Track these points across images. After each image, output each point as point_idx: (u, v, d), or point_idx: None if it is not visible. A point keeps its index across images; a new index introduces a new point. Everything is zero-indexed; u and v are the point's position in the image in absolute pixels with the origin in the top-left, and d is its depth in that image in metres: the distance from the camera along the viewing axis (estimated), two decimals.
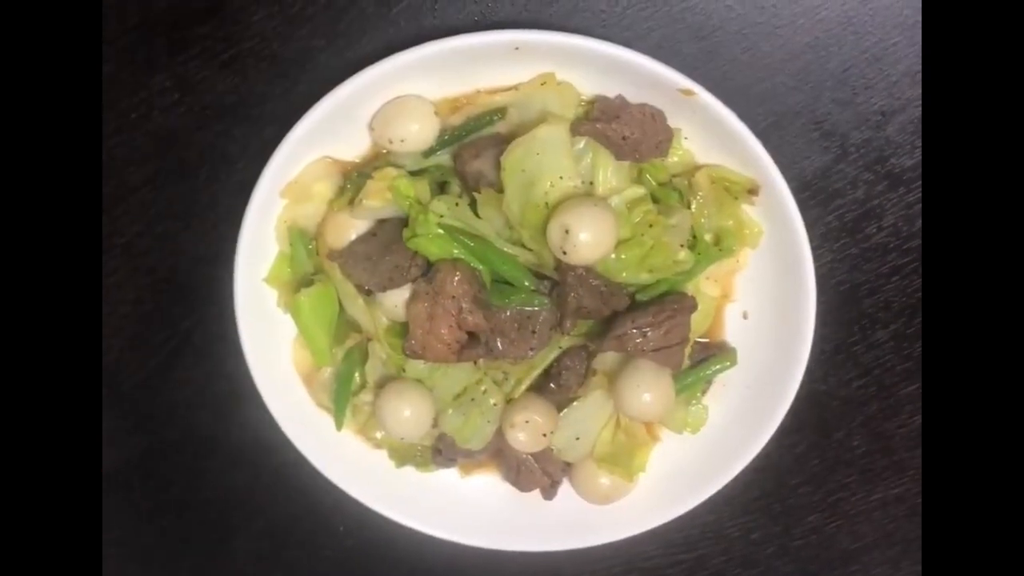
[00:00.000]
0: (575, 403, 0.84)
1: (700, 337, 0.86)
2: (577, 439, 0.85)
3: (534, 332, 0.79)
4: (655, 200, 0.79)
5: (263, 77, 0.83)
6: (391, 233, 0.79)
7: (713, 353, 0.87)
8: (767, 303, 0.84)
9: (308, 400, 0.88)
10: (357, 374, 0.85)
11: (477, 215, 0.77)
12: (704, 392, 0.88)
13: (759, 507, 0.96)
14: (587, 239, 0.73)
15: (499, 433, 0.84)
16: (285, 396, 0.86)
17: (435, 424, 0.84)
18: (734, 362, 0.86)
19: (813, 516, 0.96)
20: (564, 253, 0.74)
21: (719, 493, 0.86)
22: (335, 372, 0.86)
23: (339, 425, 0.86)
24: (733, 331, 0.87)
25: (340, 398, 0.86)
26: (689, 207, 0.80)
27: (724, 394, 0.88)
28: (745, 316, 0.87)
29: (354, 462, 0.89)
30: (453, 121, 0.80)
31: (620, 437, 0.87)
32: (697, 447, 0.88)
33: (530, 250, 0.78)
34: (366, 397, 0.86)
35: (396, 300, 0.80)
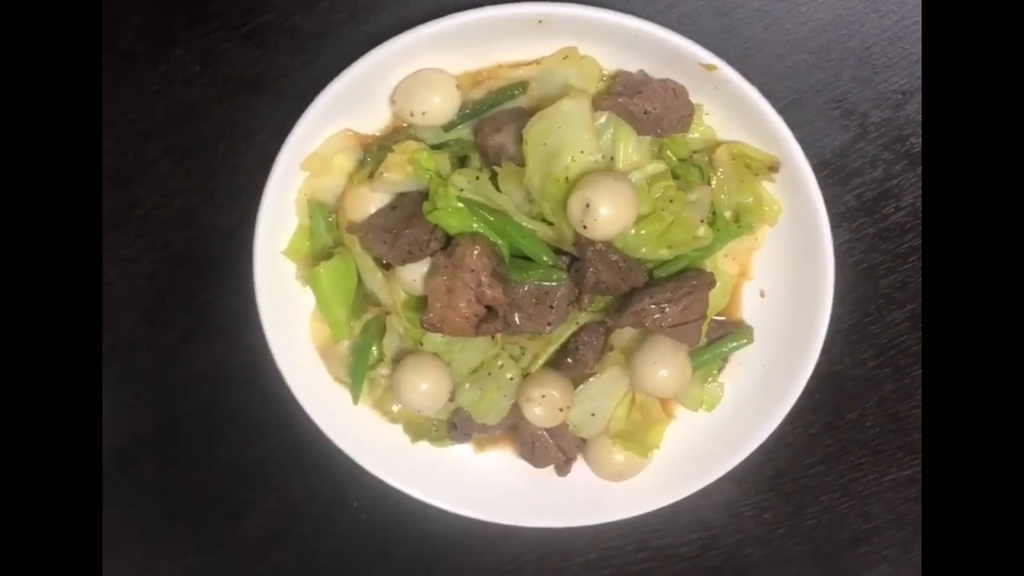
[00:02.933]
0: (591, 379, 0.84)
1: (717, 315, 0.86)
2: (593, 415, 0.85)
3: (552, 307, 0.79)
4: (675, 176, 0.78)
5: (284, 50, 0.83)
6: (411, 207, 0.79)
7: (730, 331, 0.86)
8: (784, 282, 0.84)
9: (325, 374, 0.88)
10: (374, 348, 0.85)
11: (498, 189, 0.76)
12: (720, 370, 0.87)
13: (772, 486, 0.95)
14: (607, 213, 0.73)
15: (515, 408, 0.83)
16: (302, 370, 0.85)
17: (452, 398, 0.84)
18: (750, 340, 0.86)
19: (826, 496, 0.96)
20: (584, 227, 0.73)
21: (732, 472, 0.85)
22: (352, 345, 0.85)
23: (356, 399, 0.86)
24: (750, 309, 0.87)
25: (357, 372, 0.85)
26: (709, 183, 0.80)
27: (740, 372, 0.87)
28: (762, 295, 0.87)
29: (369, 437, 0.88)
30: (474, 95, 0.79)
31: (635, 414, 0.86)
32: (712, 425, 0.87)
33: (550, 224, 0.77)
34: (383, 371, 0.85)
35: (415, 274, 0.80)
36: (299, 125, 0.77)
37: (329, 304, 0.83)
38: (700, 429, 0.88)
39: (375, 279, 0.82)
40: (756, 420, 0.85)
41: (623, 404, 0.86)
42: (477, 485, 0.90)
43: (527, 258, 0.78)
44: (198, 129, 0.86)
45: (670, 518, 0.93)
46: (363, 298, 0.84)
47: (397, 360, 0.84)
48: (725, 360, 0.87)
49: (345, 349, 0.86)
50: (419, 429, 0.89)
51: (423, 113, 0.78)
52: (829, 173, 0.84)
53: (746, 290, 0.86)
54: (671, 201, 0.77)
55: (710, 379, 0.87)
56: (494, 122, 0.78)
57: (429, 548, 0.97)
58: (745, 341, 0.86)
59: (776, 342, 0.85)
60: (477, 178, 0.77)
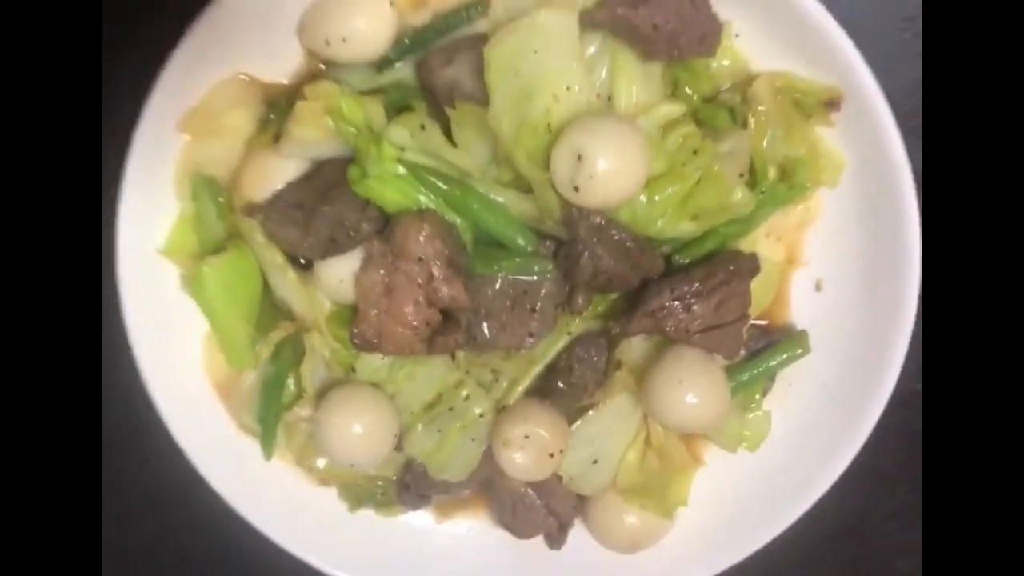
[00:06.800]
0: (591, 412, 0.73)
1: (757, 318, 0.75)
2: (595, 462, 0.74)
3: (534, 311, 0.68)
4: (698, 122, 0.68)
5: None
6: (332, 176, 0.67)
7: (777, 338, 0.75)
8: (849, 268, 0.74)
9: (227, 421, 0.76)
10: (291, 380, 0.73)
11: (452, 143, 0.65)
12: (765, 393, 0.76)
13: (828, 551, 0.85)
14: (608, 168, 0.60)
15: (488, 456, 0.73)
16: (195, 416, 0.74)
17: (399, 446, 0.73)
18: (806, 350, 0.74)
19: (903, 561, 0.84)
20: (576, 189, 0.61)
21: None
22: (260, 378, 0.74)
23: (268, 453, 0.74)
24: (803, 308, 0.76)
25: (268, 415, 0.73)
26: (746, 127, 0.69)
27: (791, 396, 0.76)
28: (819, 287, 0.75)
29: (292, 504, 0.77)
30: (416, 20, 0.69)
31: (651, 460, 0.76)
32: (755, 470, 0.76)
33: (527, 192, 0.66)
34: (303, 411, 0.74)
35: (341, 272, 0.67)
36: (168, 67, 0.65)
37: (222, 319, 0.70)
38: (740, 476, 0.77)
39: (286, 281, 0.70)
40: (815, 461, 0.74)
41: (635, 446, 0.75)
42: (442, 565, 0.79)
43: (497, 243, 0.68)
44: None
45: None
46: (272, 310, 0.72)
47: (322, 395, 0.73)
48: (772, 379, 0.76)
49: (251, 384, 0.74)
50: (359, 493, 0.78)
51: (343, 41, 0.65)
52: (905, 116, 0.71)
53: (796, 281, 0.75)
54: (695, 153, 0.65)
55: (752, 406, 0.76)
56: (444, 54, 0.67)
57: None
58: (800, 351, 0.74)
59: (841, 352, 0.74)
60: (423, 128, 0.65)
